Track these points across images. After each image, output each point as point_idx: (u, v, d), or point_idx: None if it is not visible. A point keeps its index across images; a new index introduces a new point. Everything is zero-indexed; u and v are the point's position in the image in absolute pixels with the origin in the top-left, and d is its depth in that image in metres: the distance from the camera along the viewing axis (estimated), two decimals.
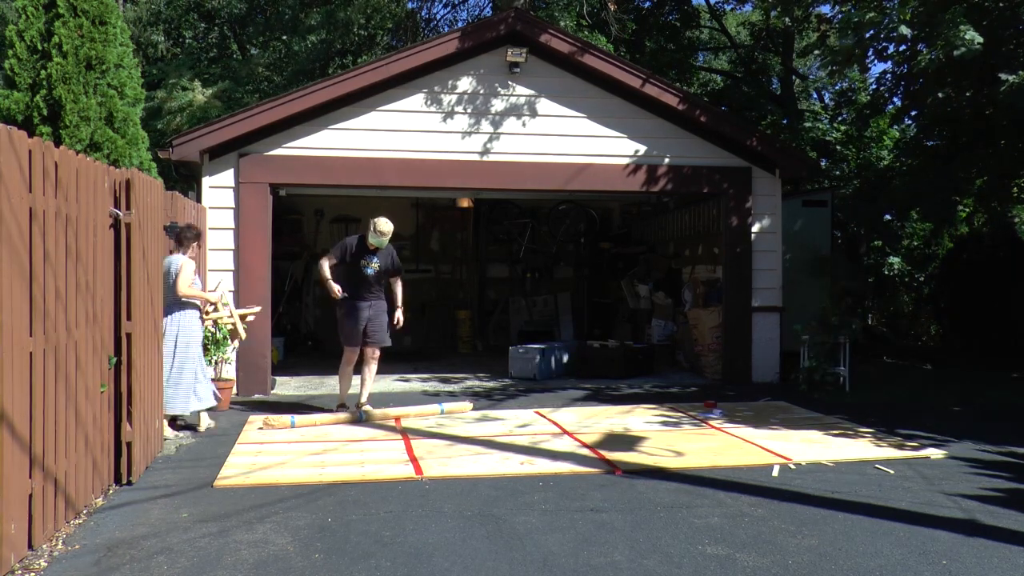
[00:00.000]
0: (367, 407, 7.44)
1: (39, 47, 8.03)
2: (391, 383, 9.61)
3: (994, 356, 12.42)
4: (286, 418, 6.92)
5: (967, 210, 14.39)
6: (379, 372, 10.36)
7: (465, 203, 12.61)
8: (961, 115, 10.41)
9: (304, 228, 13.53)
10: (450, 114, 9.23)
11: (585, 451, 6.07)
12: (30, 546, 3.92)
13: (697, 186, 9.79)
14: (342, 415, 7.25)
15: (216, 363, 7.98)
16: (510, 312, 14.07)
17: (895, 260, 15.05)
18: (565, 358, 10.45)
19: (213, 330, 7.88)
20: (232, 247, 8.71)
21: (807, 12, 11.02)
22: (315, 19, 18.37)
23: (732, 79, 20.59)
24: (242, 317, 7.74)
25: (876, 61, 10.33)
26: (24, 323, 3.87)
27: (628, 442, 6.37)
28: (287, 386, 9.29)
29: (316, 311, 13.69)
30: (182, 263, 6.40)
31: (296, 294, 13.26)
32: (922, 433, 6.88)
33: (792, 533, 4.34)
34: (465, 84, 9.27)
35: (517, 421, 7.26)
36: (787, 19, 12.50)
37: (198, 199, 8.74)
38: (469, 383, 9.65)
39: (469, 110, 9.27)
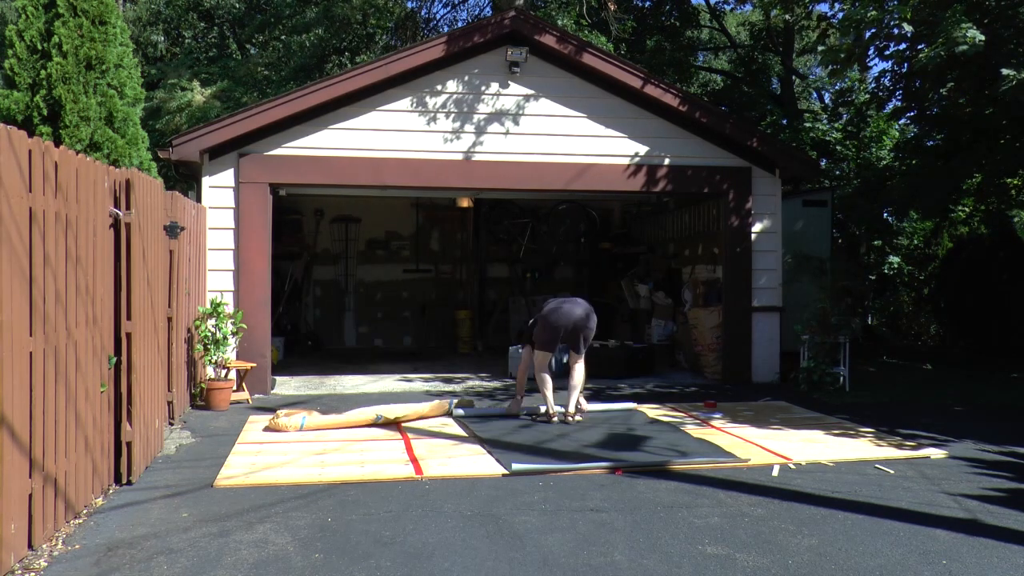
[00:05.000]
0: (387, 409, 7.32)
1: (39, 47, 8.03)
2: (392, 383, 9.60)
3: (994, 356, 12.42)
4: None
5: (967, 210, 14.38)
6: (380, 372, 10.43)
7: (465, 203, 12.61)
8: (960, 114, 10.41)
9: (304, 228, 13.53)
10: (450, 114, 9.22)
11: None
12: (30, 546, 3.92)
13: (697, 186, 9.79)
14: (359, 418, 7.03)
15: (216, 363, 7.99)
16: (510, 312, 14.07)
17: (895, 260, 15.05)
18: (565, 358, 10.41)
19: (213, 330, 7.88)
20: (232, 247, 8.70)
21: (807, 10, 11.01)
22: (312, 14, 18.37)
23: (732, 79, 20.59)
24: None
25: (877, 59, 10.35)
26: (24, 323, 3.86)
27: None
28: (287, 386, 9.29)
29: (316, 311, 13.71)
30: None
31: (296, 294, 13.26)
32: (922, 433, 6.88)
33: (792, 533, 4.34)
34: (465, 84, 9.26)
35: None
36: (787, 17, 12.48)
37: (198, 199, 8.74)
38: (471, 383, 9.65)
39: (469, 110, 9.26)
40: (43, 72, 7.91)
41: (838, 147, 14.58)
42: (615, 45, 16.49)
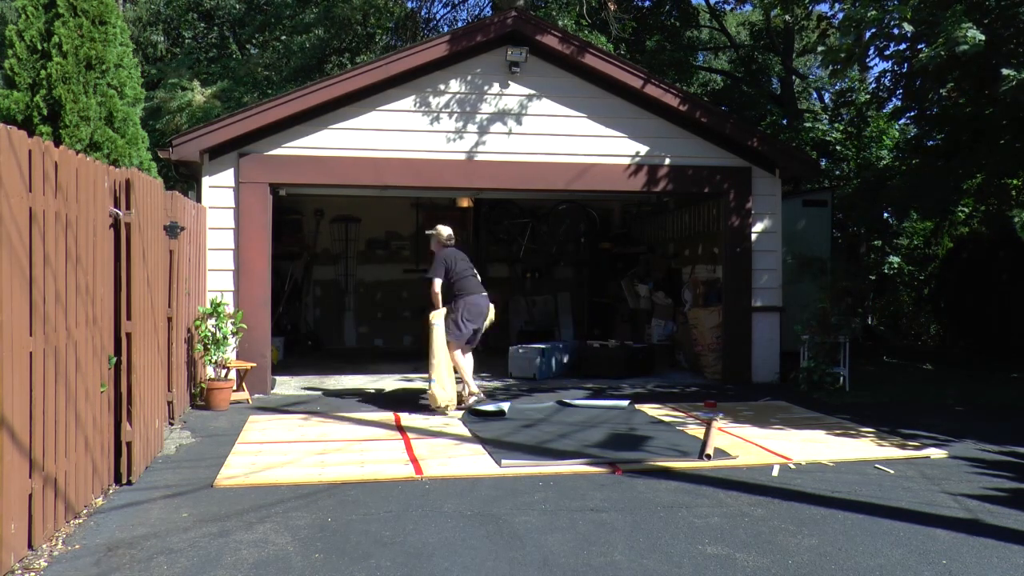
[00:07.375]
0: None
1: (39, 47, 8.02)
2: (393, 383, 9.60)
3: (994, 356, 12.41)
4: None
5: (967, 210, 14.38)
6: (380, 372, 10.44)
7: (465, 203, 12.61)
8: (960, 114, 10.41)
9: (304, 228, 13.52)
10: (450, 114, 9.22)
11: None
12: (30, 546, 3.92)
13: (698, 186, 9.79)
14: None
15: (216, 363, 7.98)
16: (510, 312, 14.04)
17: (895, 260, 15.04)
18: (565, 358, 10.43)
19: (213, 330, 7.88)
20: (232, 247, 8.70)
21: (807, 10, 11.01)
22: (312, 14, 18.36)
23: (732, 79, 20.59)
24: None
25: (877, 59, 10.37)
26: (24, 323, 3.86)
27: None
28: (287, 386, 9.28)
29: (316, 311, 13.70)
30: None
31: (296, 294, 13.26)
32: (923, 433, 6.88)
33: (792, 533, 4.34)
34: (465, 84, 9.26)
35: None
36: (787, 17, 12.47)
37: (198, 199, 8.74)
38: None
39: (469, 110, 9.26)
40: (43, 72, 7.90)
41: (838, 147, 14.58)
42: (615, 45, 16.47)
